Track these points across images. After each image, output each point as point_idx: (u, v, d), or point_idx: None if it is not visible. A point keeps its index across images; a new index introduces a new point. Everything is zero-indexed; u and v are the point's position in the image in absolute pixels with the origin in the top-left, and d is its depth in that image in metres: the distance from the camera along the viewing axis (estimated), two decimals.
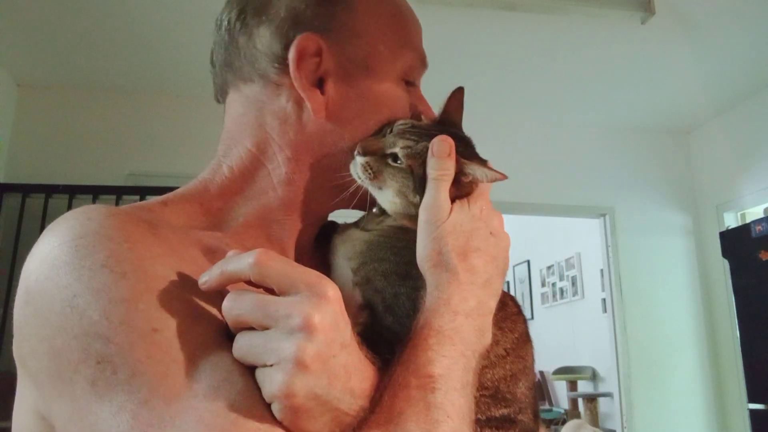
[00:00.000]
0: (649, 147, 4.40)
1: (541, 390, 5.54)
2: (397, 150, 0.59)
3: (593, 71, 3.60)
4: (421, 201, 0.57)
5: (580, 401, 4.83)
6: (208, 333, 0.46)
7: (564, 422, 4.74)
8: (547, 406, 5.40)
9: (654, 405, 3.94)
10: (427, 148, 0.58)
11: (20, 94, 3.71)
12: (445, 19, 3.08)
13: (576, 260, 5.19)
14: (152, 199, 0.62)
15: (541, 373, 5.62)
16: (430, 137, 0.59)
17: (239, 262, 0.45)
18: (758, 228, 3.26)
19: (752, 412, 3.27)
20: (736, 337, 3.56)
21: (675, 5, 2.97)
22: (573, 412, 4.92)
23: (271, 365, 0.42)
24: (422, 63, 0.68)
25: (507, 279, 6.75)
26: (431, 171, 0.57)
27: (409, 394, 0.46)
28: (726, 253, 3.59)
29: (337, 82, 0.63)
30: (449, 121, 0.65)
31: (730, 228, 3.82)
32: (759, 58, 3.44)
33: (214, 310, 0.47)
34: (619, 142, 4.37)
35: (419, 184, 0.58)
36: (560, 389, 5.42)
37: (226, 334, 0.46)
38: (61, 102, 3.74)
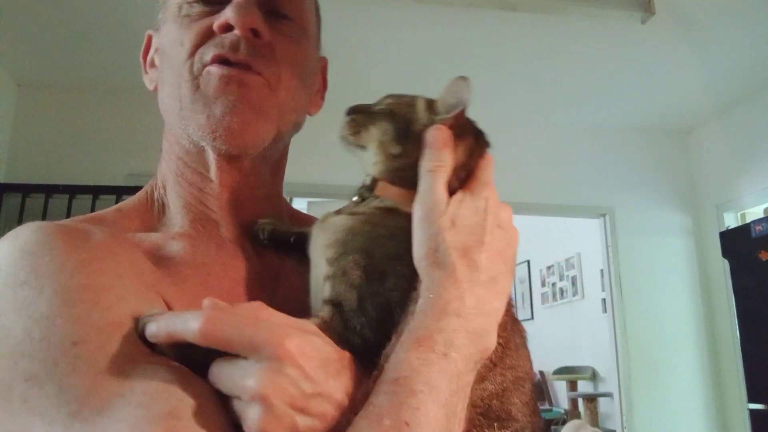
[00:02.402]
0: (649, 147, 4.40)
1: (541, 390, 5.53)
2: (382, 106, 0.57)
3: (593, 71, 3.60)
4: (402, 152, 0.54)
5: (580, 401, 4.83)
6: (134, 341, 0.45)
7: (564, 422, 4.74)
8: (547, 406, 5.40)
9: (654, 405, 3.94)
10: (415, 101, 0.56)
11: (20, 94, 3.70)
12: (445, 19, 3.08)
13: (576, 260, 5.19)
14: (109, 207, 0.63)
15: (541, 373, 5.62)
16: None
17: (185, 325, 0.42)
18: (758, 228, 3.25)
19: (752, 412, 3.27)
20: (736, 337, 3.56)
21: (675, 5, 2.97)
22: (573, 412, 4.92)
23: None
24: None
25: None
26: (426, 163, 0.53)
27: (373, 401, 0.43)
28: (726, 253, 3.58)
29: (157, 54, 0.68)
30: None
31: (730, 228, 3.81)
32: (759, 58, 3.44)
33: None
34: (619, 143, 4.37)
35: (402, 134, 0.55)
36: (560, 389, 5.42)
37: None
38: (61, 102, 3.74)
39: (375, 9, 2.99)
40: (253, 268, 0.62)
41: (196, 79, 0.59)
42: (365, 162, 0.58)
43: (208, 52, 0.59)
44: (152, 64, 0.70)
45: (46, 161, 3.57)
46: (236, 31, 0.58)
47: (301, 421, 0.41)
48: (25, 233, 0.50)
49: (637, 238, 4.18)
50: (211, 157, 0.62)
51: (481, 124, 0.60)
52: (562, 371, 5.19)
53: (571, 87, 3.81)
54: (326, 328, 0.49)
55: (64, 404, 0.41)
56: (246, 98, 0.58)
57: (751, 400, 3.29)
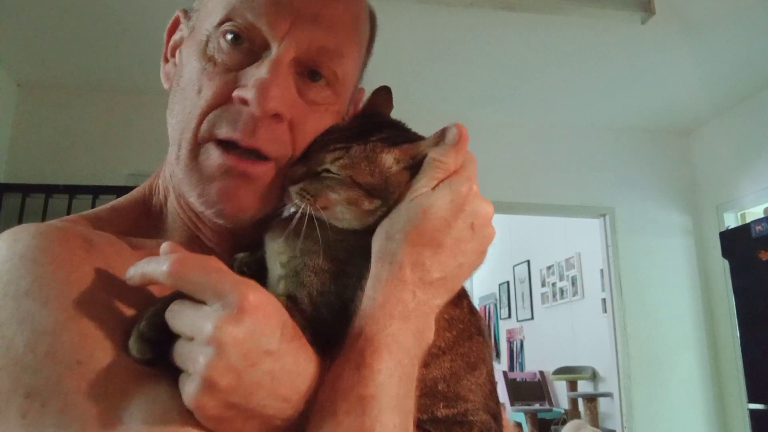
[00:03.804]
0: (649, 147, 4.40)
1: (541, 390, 5.53)
2: (327, 166, 0.53)
3: (593, 71, 3.60)
4: (380, 205, 0.52)
5: (580, 401, 4.83)
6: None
7: (564, 422, 4.74)
8: (547, 406, 5.40)
9: (654, 405, 3.94)
10: (364, 150, 0.53)
11: (20, 94, 3.70)
12: (445, 19, 3.08)
13: (576, 260, 5.18)
14: (103, 205, 0.62)
15: (541, 373, 5.62)
16: (358, 135, 0.54)
17: (156, 266, 0.44)
18: (758, 228, 3.25)
19: (752, 412, 3.27)
20: (736, 337, 3.56)
21: (675, 5, 2.97)
22: (573, 412, 4.92)
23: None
24: (228, 18, 0.55)
25: (507, 279, 6.69)
26: (434, 161, 0.52)
27: (337, 421, 0.43)
28: (726, 253, 3.59)
29: (180, 53, 0.61)
30: (372, 114, 0.59)
31: (730, 228, 3.82)
32: (759, 58, 3.44)
33: None
34: (619, 142, 4.37)
35: (376, 189, 0.52)
36: (560, 389, 5.42)
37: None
38: (61, 102, 3.74)
39: (375, 9, 2.99)
40: None
41: (197, 146, 0.56)
42: (331, 219, 0.54)
43: (221, 126, 0.54)
44: (173, 54, 0.63)
45: (46, 161, 3.57)
46: (255, 112, 0.53)
47: (249, 374, 0.41)
48: (25, 237, 0.48)
49: (637, 238, 4.18)
50: None
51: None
52: (562, 371, 5.19)
53: (571, 87, 3.81)
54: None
55: (65, 425, 0.41)
56: (246, 183, 0.55)
57: (751, 400, 3.29)
